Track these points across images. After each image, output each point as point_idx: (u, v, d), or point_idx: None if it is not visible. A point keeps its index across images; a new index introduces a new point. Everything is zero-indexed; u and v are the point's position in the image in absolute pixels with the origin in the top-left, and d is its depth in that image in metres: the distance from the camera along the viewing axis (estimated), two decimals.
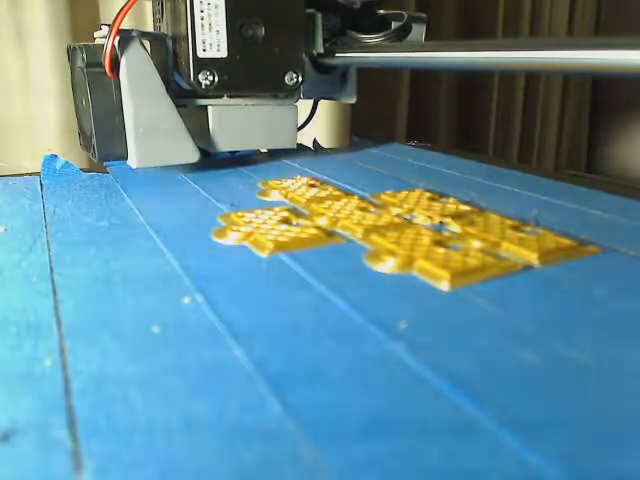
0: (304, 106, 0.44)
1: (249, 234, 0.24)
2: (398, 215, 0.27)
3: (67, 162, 0.37)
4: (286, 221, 0.26)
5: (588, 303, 0.18)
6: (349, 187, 0.34)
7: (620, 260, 0.22)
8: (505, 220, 0.26)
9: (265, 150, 0.46)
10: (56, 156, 0.37)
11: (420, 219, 0.27)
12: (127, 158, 0.36)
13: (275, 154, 0.44)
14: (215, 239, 0.25)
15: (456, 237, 0.24)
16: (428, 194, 0.31)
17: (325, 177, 0.36)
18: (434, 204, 0.29)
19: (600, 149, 1.05)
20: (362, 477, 0.11)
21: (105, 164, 0.41)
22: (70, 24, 0.59)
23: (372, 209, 0.28)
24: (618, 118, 1.03)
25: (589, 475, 0.11)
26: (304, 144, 0.48)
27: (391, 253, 0.22)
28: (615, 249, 0.23)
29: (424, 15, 0.43)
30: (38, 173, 0.37)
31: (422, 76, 0.86)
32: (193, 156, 0.37)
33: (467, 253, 0.22)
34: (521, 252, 0.22)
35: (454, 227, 0.25)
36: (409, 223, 0.26)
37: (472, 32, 0.87)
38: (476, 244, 0.23)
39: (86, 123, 0.38)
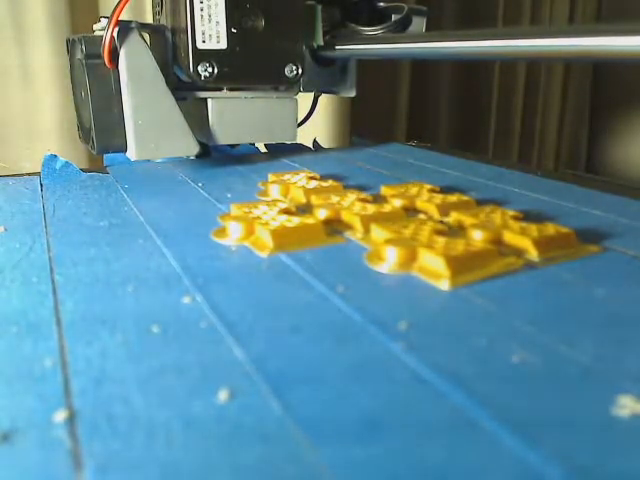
0: (304, 107, 0.44)
1: (249, 233, 0.24)
2: (399, 207, 0.27)
3: (67, 162, 0.37)
4: (286, 212, 0.26)
5: (588, 303, 0.18)
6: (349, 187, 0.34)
7: (620, 260, 0.22)
8: (506, 211, 0.26)
9: (265, 150, 0.46)
10: (56, 156, 0.37)
11: (421, 217, 0.27)
12: (126, 150, 0.36)
13: (275, 154, 0.44)
14: (215, 239, 0.25)
15: (457, 227, 0.24)
16: (428, 186, 0.31)
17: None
18: (435, 195, 0.29)
19: (600, 149, 1.05)
20: (362, 477, 0.11)
21: (105, 164, 0.41)
22: (70, 20, 0.59)
23: (373, 201, 0.28)
24: (618, 118, 1.02)
25: (589, 475, 0.11)
26: (304, 144, 0.48)
27: (392, 242, 0.22)
28: (615, 249, 0.23)
29: (424, 8, 0.43)
30: (38, 173, 0.37)
31: (422, 76, 0.86)
32: (192, 149, 0.37)
33: (468, 242, 0.22)
34: (522, 240, 0.22)
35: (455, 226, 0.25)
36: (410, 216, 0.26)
37: (472, 27, 0.87)
38: (477, 234, 0.23)
39: (85, 115, 0.38)
